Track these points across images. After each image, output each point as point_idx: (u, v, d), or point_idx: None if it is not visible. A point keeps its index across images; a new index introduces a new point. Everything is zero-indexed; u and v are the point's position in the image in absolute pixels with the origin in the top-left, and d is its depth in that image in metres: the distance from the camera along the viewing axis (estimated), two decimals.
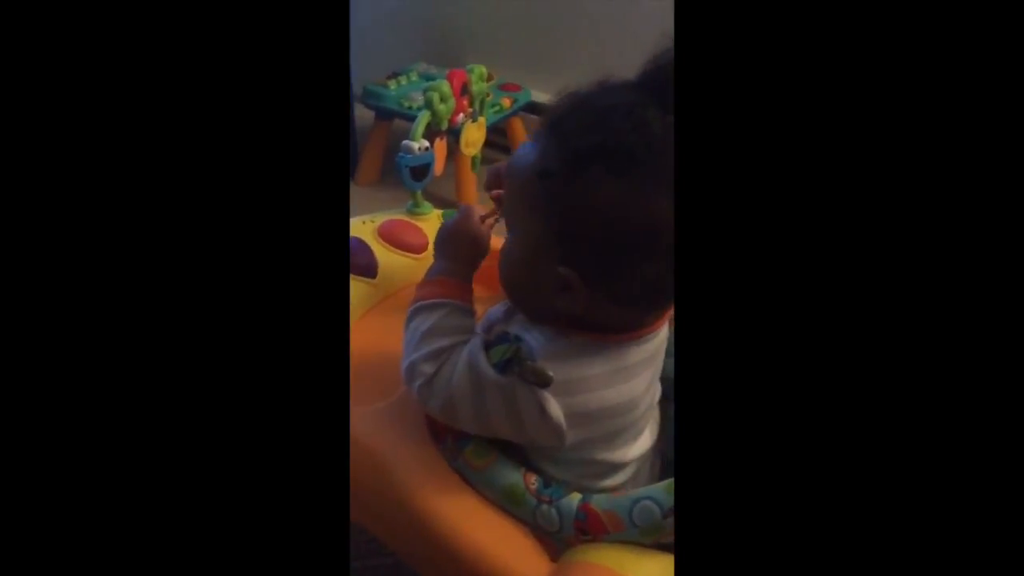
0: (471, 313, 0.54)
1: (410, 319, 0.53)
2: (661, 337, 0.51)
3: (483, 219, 0.57)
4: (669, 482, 0.48)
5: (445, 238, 0.56)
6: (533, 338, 0.48)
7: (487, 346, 0.49)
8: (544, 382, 0.46)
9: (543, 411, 0.47)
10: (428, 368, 0.50)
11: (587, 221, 0.43)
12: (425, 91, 0.74)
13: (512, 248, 0.50)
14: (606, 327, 0.48)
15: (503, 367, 0.47)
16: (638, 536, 0.47)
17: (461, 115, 0.79)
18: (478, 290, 0.57)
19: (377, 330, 0.66)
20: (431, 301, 0.53)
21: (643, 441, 0.53)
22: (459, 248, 0.55)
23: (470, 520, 0.50)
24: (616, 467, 0.52)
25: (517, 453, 0.52)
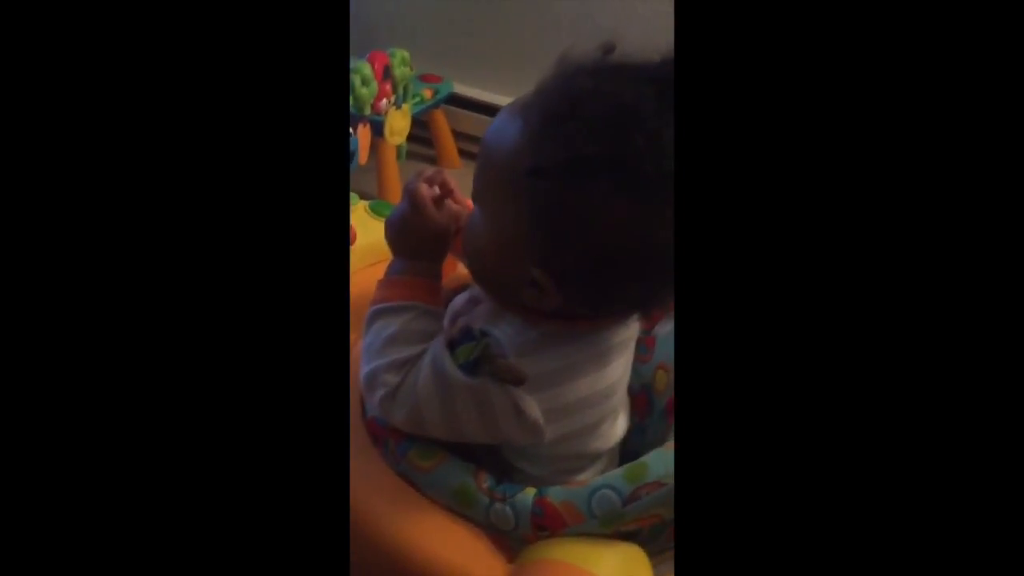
0: (439, 316, 0.49)
1: (370, 322, 0.48)
2: (635, 321, 0.49)
3: (438, 202, 0.48)
4: (627, 468, 0.47)
5: (396, 234, 0.49)
6: (500, 331, 0.45)
7: (451, 346, 0.45)
8: (517, 380, 0.43)
9: (519, 410, 0.44)
10: (392, 379, 0.46)
11: (576, 232, 0.40)
12: None
13: (481, 229, 0.45)
14: (578, 316, 0.45)
15: (471, 367, 0.44)
16: (598, 527, 0.46)
17: (384, 100, 0.75)
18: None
19: None
20: (394, 304, 0.47)
21: (619, 429, 0.51)
22: (414, 243, 0.49)
23: (419, 525, 0.47)
24: (594, 458, 0.50)
25: (466, 451, 0.49)
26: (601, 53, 0.42)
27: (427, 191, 0.48)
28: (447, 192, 0.50)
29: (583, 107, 0.39)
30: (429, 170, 0.51)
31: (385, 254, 0.70)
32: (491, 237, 0.44)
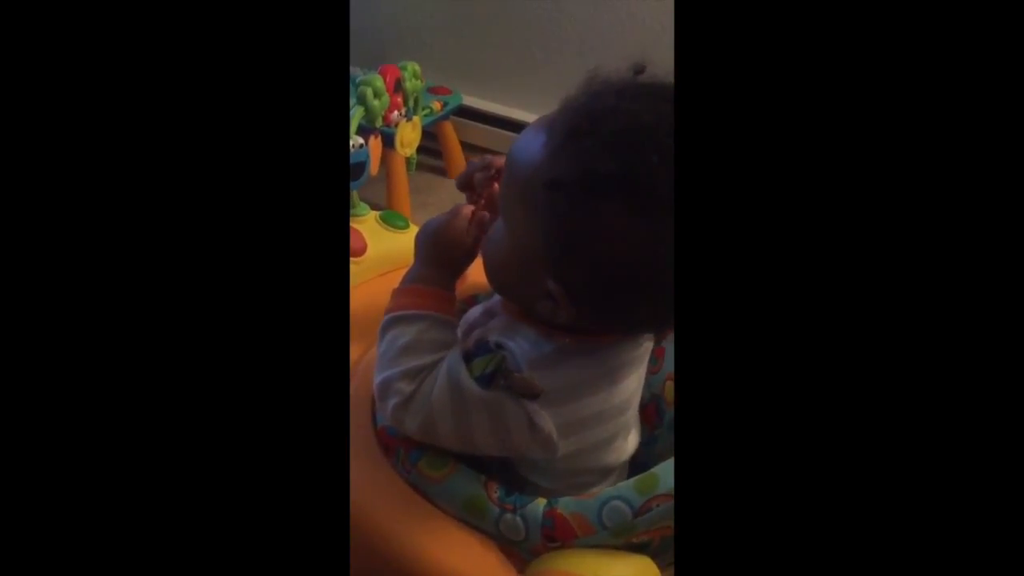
0: (453, 326, 0.49)
1: (385, 330, 0.48)
2: (649, 338, 0.50)
3: (472, 222, 0.50)
4: (637, 479, 0.46)
5: (428, 239, 0.50)
6: (516, 344, 0.45)
7: (467, 358, 0.45)
8: (532, 394, 0.43)
9: (533, 424, 0.44)
10: (405, 387, 0.46)
11: (589, 247, 0.40)
12: (358, 85, 0.70)
13: (502, 240, 0.46)
14: (592, 331, 0.46)
15: (487, 380, 0.44)
16: (608, 538, 0.45)
17: (395, 112, 0.76)
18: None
19: None
20: (409, 312, 0.48)
21: (631, 443, 0.51)
22: (443, 253, 0.50)
23: (429, 536, 0.46)
24: (606, 473, 0.50)
25: (476, 462, 0.49)
26: (631, 73, 0.42)
27: (467, 211, 0.50)
28: (499, 176, 0.51)
29: (603, 123, 0.39)
30: (487, 157, 0.52)
31: (395, 264, 0.71)
32: (510, 248, 0.45)
